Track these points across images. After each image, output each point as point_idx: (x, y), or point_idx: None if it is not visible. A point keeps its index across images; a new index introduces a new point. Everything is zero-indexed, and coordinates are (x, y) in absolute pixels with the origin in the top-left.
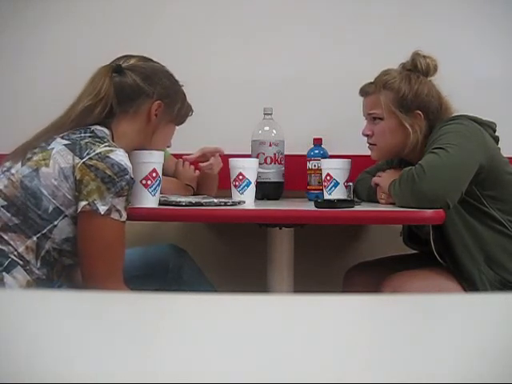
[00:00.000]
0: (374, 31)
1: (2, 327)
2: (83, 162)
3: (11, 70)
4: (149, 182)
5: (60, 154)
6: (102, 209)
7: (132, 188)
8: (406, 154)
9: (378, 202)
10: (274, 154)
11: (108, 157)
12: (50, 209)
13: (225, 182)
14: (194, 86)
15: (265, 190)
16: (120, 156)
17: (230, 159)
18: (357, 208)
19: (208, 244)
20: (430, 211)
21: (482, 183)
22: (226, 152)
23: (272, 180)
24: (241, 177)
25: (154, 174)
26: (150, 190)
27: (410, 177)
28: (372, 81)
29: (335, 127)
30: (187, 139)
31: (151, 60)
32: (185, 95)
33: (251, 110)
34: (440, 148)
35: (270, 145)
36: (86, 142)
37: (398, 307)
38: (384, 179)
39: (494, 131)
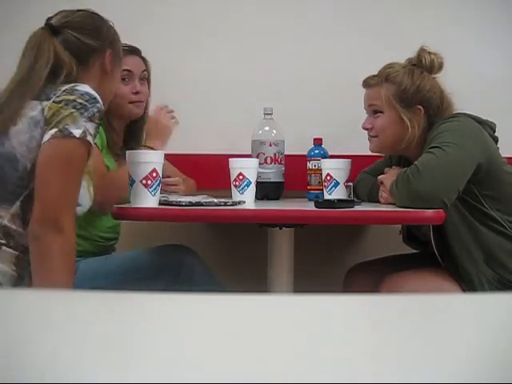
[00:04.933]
0: (375, 31)
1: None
2: (52, 101)
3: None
4: (149, 182)
5: (26, 107)
6: (77, 132)
7: (102, 119)
8: (403, 149)
9: (378, 202)
10: (274, 154)
11: (76, 89)
12: (29, 166)
13: (225, 182)
14: (194, 86)
15: (265, 190)
16: (88, 87)
17: (230, 159)
18: (357, 208)
19: (208, 244)
20: (430, 211)
21: (481, 182)
22: (226, 152)
23: (272, 180)
24: (241, 177)
25: (154, 174)
26: (150, 190)
27: (405, 177)
28: (375, 74)
29: (335, 127)
30: (187, 139)
31: (79, 10)
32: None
33: (251, 110)
34: (437, 147)
35: (270, 145)
36: (50, 87)
37: (398, 307)
38: (388, 177)
39: (494, 131)
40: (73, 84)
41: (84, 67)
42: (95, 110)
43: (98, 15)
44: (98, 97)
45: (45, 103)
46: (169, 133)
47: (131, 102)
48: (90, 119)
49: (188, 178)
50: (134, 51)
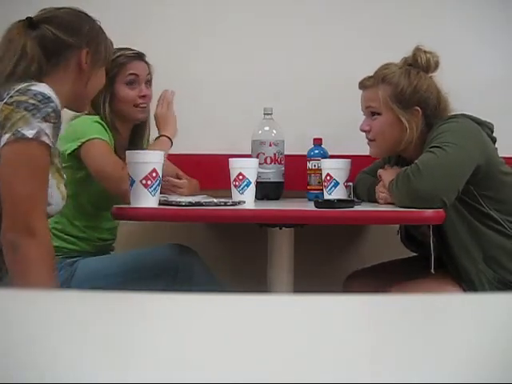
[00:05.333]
0: (374, 31)
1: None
2: (4, 103)
3: None
4: (149, 182)
5: None
6: (30, 133)
7: (60, 118)
8: (402, 151)
9: (376, 201)
10: (274, 154)
11: (29, 89)
12: None
13: (225, 182)
14: (195, 87)
15: (265, 190)
16: (43, 87)
17: (230, 159)
18: (357, 208)
19: (208, 244)
20: (430, 211)
21: (479, 183)
22: (226, 152)
23: (272, 180)
24: (241, 177)
25: (153, 174)
26: (150, 190)
27: (405, 176)
28: (372, 74)
29: (335, 127)
30: (187, 139)
31: (64, 7)
32: (104, 32)
33: (251, 110)
34: (437, 147)
35: (270, 145)
36: (5, 87)
37: (398, 307)
38: (387, 173)
39: (492, 132)
40: (27, 83)
41: (57, 63)
42: (49, 109)
43: (84, 14)
44: (53, 96)
45: None
46: (175, 121)
47: (136, 106)
48: (45, 119)
49: (191, 178)
50: (140, 56)
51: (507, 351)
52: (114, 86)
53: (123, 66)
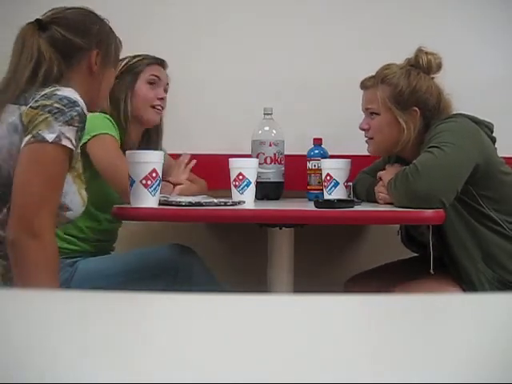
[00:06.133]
0: (375, 31)
1: None
2: (30, 106)
3: None
4: (149, 182)
5: (6, 111)
6: (50, 137)
7: (84, 123)
8: (399, 151)
9: (375, 201)
10: (274, 154)
11: (55, 94)
12: (12, 172)
13: (225, 182)
14: (196, 86)
15: (265, 190)
16: (68, 91)
17: (230, 159)
18: (357, 208)
19: (208, 244)
20: (429, 211)
21: (478, 183)
22: (226, 152)
23: (272, 180)
24: (241, 177)
25: (153, 174)
26: (150, 190)
27: (404, 177)
28: (373, 74)
29: (335, 127)
30: (187, 139)
31: (73, 7)
32: (114, 32)
33: (251, 110)
34: (435, 147)
35: (270, 145)
36: (30, 90)
37: (398, 307)
38: (387, 174)
39: (491, 131)
40: (54, 88)
41: (69, 66)
42: (74, 113)
43: (93, 14)
44: (80, 100)
45: (23, 108)
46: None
47: (153, 107)
48: (68, 123)
49: (198, 178)
50: (162, 63)
51: (507, 351)
52: (136, 83)
53: (148, 66)
